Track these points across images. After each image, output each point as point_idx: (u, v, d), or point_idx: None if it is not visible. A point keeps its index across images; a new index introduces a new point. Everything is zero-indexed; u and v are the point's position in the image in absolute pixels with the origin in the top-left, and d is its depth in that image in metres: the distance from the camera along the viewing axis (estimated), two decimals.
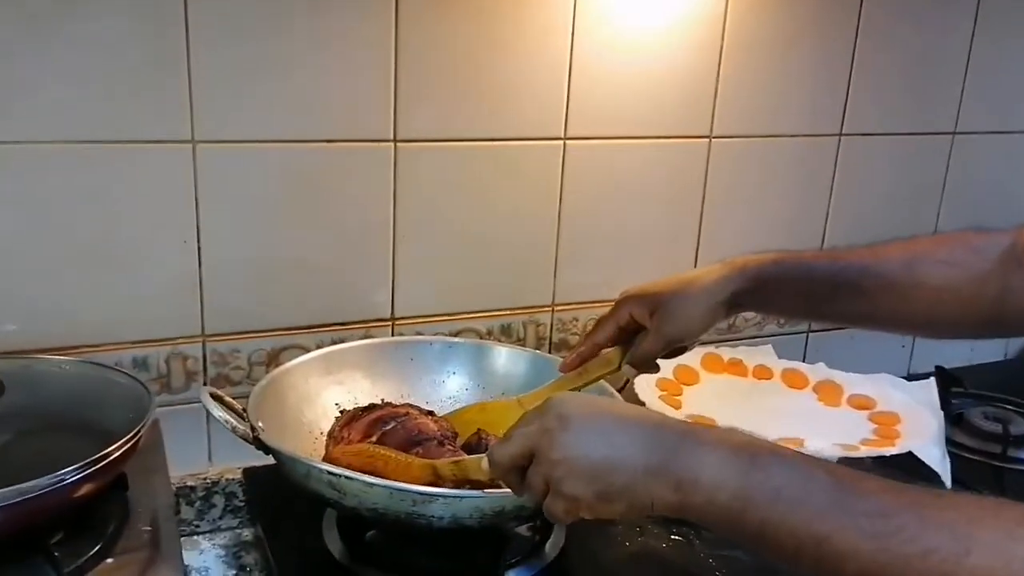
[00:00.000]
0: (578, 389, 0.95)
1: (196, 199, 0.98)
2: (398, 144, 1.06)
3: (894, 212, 1.39)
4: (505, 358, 1.08)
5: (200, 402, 0.85)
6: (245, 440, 0.83)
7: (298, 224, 1.04)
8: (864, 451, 1.02)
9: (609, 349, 0.95)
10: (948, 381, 1.30)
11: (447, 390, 1.07)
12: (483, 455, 0.73)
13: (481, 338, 1.17)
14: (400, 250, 1.10)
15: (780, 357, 1.27)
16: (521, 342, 1.19)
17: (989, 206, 1.46)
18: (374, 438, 0.89)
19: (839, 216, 1.35)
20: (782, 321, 1.35)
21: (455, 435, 0.92)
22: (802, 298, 0.90)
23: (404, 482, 0.79)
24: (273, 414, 0.93)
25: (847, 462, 0.99)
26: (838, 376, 1.22)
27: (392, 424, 0.91)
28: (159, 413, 1.01)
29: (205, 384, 1.04)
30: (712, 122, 1.22)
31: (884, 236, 1.37)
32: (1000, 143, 1.45)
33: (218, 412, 0.82)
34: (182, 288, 1.00)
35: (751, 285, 0.89)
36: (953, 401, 1.27)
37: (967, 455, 1.17)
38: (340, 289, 1.08)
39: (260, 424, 0.86)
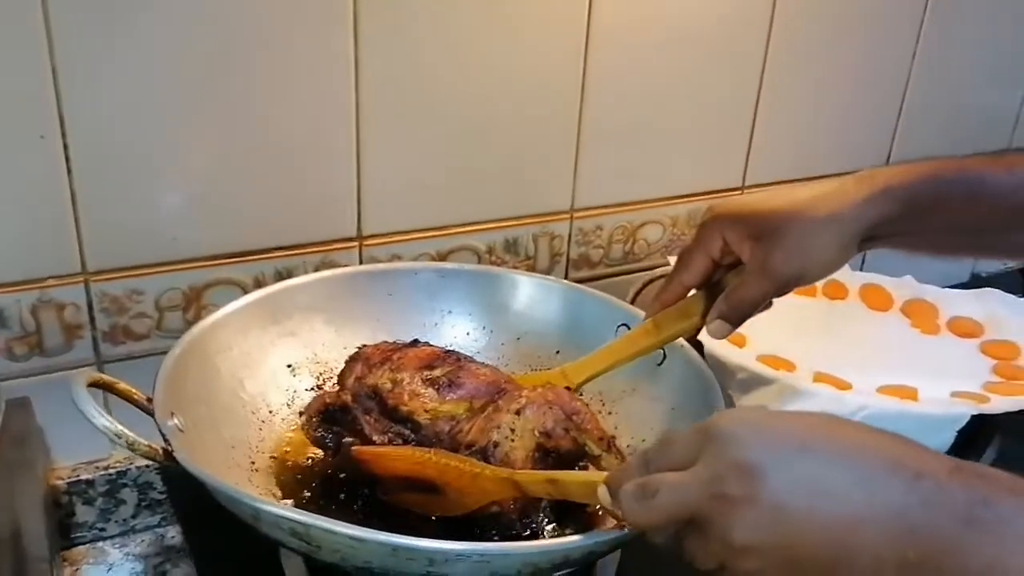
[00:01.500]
0: (647, 353, 0.67)
1: (53, 68, 0.64)
2: None
3: (985, 66, 1.12)
4: (524, 291, 0.79)
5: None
6: (151, 460, 0.53)
7: (215, 102, 0.71)
8: (997, 403, 0.77)
9: (690, 295, 0.66)
10: None
11: (441, 337, 0.78)
12: (597, 476, 0.48)
13: (480, 258, 0.87)
14: (367, 140, 0.78)
15: None
16: (531, 261, 0.90)
17: None
18: (436, 371, 0.63)
19: (924, 73, 1.06)
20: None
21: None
22: (970, 228, 0.63)
23: (470, 498, 0.55)
24: (197, 395, 0.63)
25: (976, 421, 0.74)
26: (931, 293, 0.96)
27: (464, 361, 0.65)
28: (29, 387, 0.71)
29: (96, 340, 0.73)
30: None
31: (974, 96, 1.13)
32: None
33: (102, 420, 0.52)
34: (44, 205, 0.67)
35: (900, 211, 0.61)
36: None
37: None
38: (284, 198, 0.76)
39: (177, 421, 0.57)
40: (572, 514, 0.61)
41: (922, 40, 1.04)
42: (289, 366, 0.72)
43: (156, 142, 0.70)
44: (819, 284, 0.97)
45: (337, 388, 0.68)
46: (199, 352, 0.65)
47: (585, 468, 0.60)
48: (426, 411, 0.61)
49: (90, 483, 0.76)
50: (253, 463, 0.64)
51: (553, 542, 0.49)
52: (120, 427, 0.52)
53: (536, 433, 0.57)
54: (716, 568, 0.41)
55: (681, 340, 0.70)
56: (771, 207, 0.62)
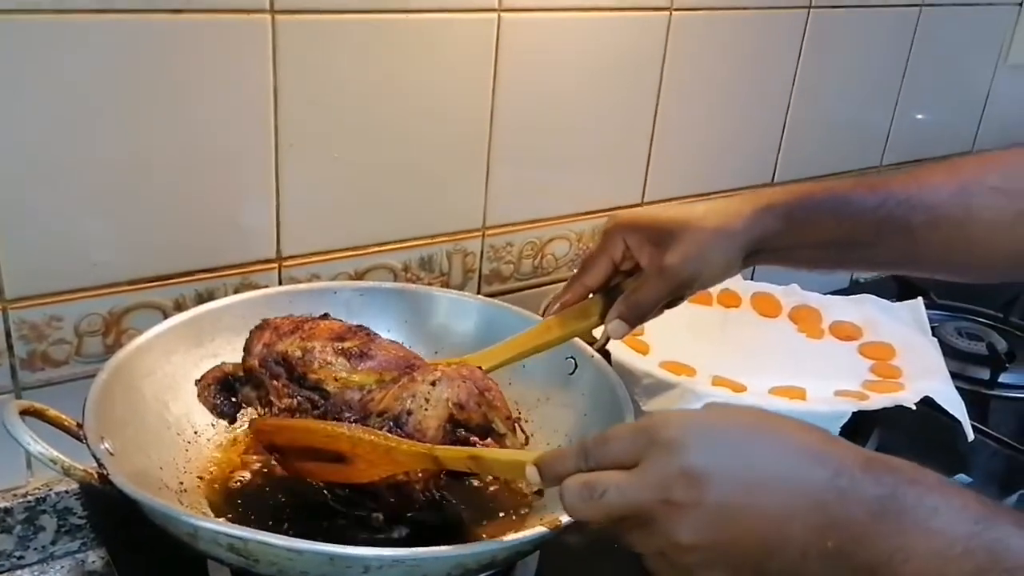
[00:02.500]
0: (546, 348, 0.72)
1: None
2: (277, 16, 0.74)
3: (858, 88, 1.22)
4: (441, 307, 0.82)
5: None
6: (86, 483, 0.55)
7: (137, 129, 0.72)
8: (876, 400, 0.85)
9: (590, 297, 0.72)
10: (910, 292, 1.15)
11: None
12: (524, 456, 0.51)
13: (396, 275, 0.90)
14: (285, 163, 0.80)
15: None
16: (445, 277, 0.93)
17: (949, 80, 1.33)
18: (347, 343, 0.63)
19: (803, 95, 1.15)
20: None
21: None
22: (839, 242, 0.70)
23: (378, 469, 0.56)
24: (124, 419, 0.64)
25: (857, 417, 0.82)
26: (814, 299, 1.04)
27: (374, 336, 0.66)
28: None
29: (14, 368, 0.73)
30: None
31: (849, 116, 1.23)
32: (966, 15, 1.28)
33: (37, 447, 0.53)
34: None
35: (780, 227, 0.68)
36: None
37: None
38: (204, 221, 0.78)
39: (107, 445, 0.58)
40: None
41: (800, 68, 1.13)
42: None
43: (74, 167, 0.70)
44: (714, 293, 1.04)
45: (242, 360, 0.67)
46: (124, 377, 0.66)
47: (487, 445, 0.62)
48: (336, 380, 0.62)
49: (8, 511, 0.75)
50: (181, 483, 0.66)
51: (482, 544, 0.52)
52: (55, 453, 0.53)
53: (449, 404, 0.59)
54: (655, 555, 0.46)
55: (591, 351, 0.75)
56: (669, 216, 0.68)
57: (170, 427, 0.69)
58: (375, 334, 0.67)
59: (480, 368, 0.65)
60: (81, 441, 0.58)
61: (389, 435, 0.58)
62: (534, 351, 0.72)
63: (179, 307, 0.78)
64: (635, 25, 0.96)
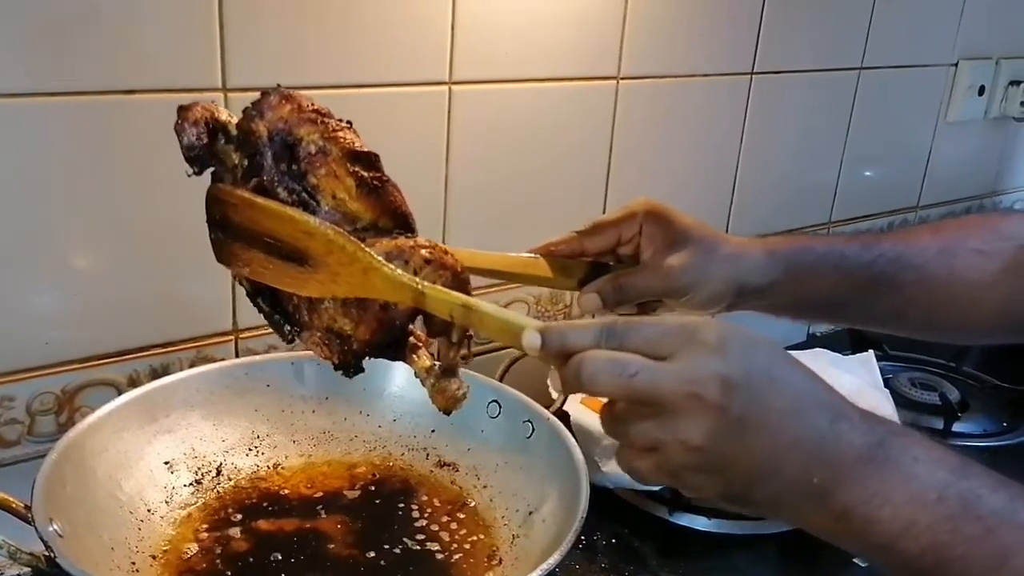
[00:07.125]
0: (522, 281, 0.72)
1: None
2: (229, 94, 0.76)
3: (805, 148, 1.26)
4: (399, 375, 0.82)
5: None
6: (33, 568, 0.54)
7: (89, 206, 0.73)
8: None
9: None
10: (863, 344, 1.17)
11: (319, 423, 0.81)
12: (524, 321, 0.47)
13: None
14: None
15: None
16: None
17: (892, 139, 1.38)
18: (363, 169, 0.56)
19: (751, 157, 1.18)
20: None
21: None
22: (832, 296, 0.71)
23: (340, 286, 0.52)
24: (75, 499, 0.63)
25: None
26: None
27: (390, 180, 0.58)
28: None
29: None
30: (620, 61, 1.00)
31: (796, 176, 1.27)
32: (904, 77, 1.33)
33: None
34: None
35: (778, 276, 0.69)
36: None
37: None
38: (159, 296, 0.78)
39: (56, 526, 0.57)
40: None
41: (747, 130, 1.16)
42: (167, 463, 0.73)
43: (25, 245, 0.71)
44: None
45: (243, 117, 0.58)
46: (75, 456, 0.65)
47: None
48: (334, 197, 0.56)
49: None
50: (133, 563, 0.65)
51: None
52: (1, 537, 0.53)
53: None
54: (643, 450, 0.45)
55: (547, 414, 0.76)
56: (691, 224, 0.69)
57: (123, 506, 0.68)
58: (390, 179, 0.59)
59: (467, 274, 0.57)
60: (29, 523, 0.57)
61: (376, 256, 0.52)
62: (502, 275, 0.71)
63: (133, 383, 0.78)
64: (583, 94, 0.99)
